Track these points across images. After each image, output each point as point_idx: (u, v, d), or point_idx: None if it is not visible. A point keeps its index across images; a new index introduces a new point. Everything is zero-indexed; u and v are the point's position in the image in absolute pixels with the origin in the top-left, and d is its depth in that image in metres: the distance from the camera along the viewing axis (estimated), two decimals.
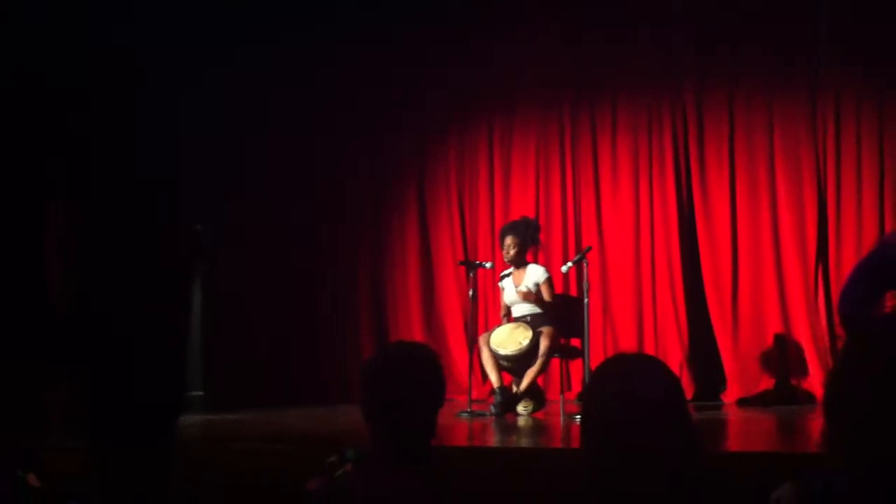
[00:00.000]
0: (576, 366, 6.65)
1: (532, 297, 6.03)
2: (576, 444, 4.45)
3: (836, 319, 5.92)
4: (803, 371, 6.42)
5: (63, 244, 6.87)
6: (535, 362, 5.86)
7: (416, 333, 7.38)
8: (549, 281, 6.13)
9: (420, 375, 2.04)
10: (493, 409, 5.83)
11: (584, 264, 5.83)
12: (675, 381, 1.61)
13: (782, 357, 6.50)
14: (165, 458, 1.52)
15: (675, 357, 6.66)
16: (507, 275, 6.24)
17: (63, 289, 6.68)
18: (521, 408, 5.94)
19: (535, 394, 6.06)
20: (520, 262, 6.19)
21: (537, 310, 6.08)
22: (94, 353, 1.51)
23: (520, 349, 5.84)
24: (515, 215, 7.01)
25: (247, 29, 7.36)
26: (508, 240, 6.19)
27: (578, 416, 5.07)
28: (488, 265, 6.37)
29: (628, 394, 1.54)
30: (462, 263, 6.74)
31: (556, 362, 6.44)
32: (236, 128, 7.56)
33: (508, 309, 6.25)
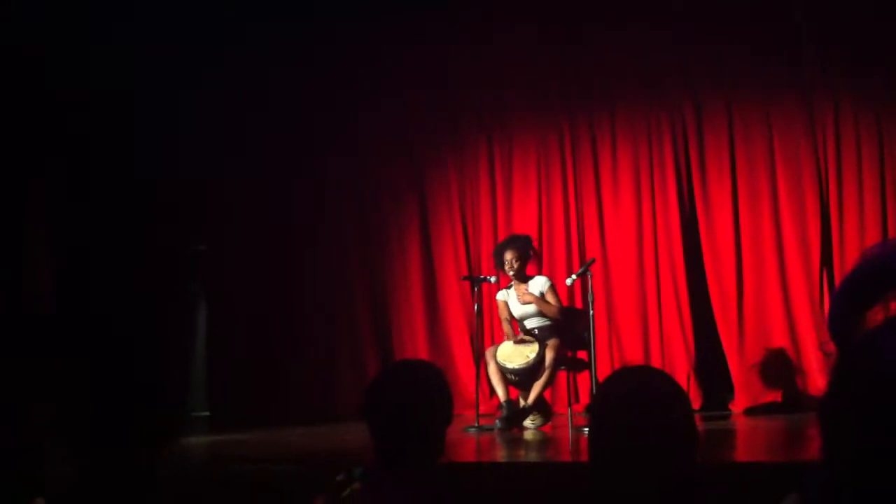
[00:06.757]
0: (583, 378, 6.63)
1: (540, 302, 6.01)
2: (584, 457, 4.44)
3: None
4: (810, 379, 6.40)
5: (54, 243, 6.83)
6: (541, 375, 5.85)
7: (422, 350, 7.37)
8: (553, 288, 6.13)
9: (425, 394, 2.04)
10: (499, 423, 5.81)
11: (589, 276, 5.82)
12: (680, 393, 1.61)
13: (789, 365, 6.48)
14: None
15: (681, 367, 6.64)
16: (507, 287, 6.22)
17: (51, 288, 6.65)
18: (528, 422, 5.93)
19: (542, 407, 6.04)
20: (522, 276, 6.18)
21: (546, 322, 6.07)
22: (89, 353, 1.48)
23: (527, 362, 5.83)
24: (518, 229, 7.01)
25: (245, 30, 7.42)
26: (509, 255, 6.16)
27: (587, 429, 5.06)
28: (492, 279, 6.37)
29: (634, 407, 1.55)
30: (466, 279, 6.75)
31: (563, 375, 6.42)
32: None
33: (511, 318, 6.21)
